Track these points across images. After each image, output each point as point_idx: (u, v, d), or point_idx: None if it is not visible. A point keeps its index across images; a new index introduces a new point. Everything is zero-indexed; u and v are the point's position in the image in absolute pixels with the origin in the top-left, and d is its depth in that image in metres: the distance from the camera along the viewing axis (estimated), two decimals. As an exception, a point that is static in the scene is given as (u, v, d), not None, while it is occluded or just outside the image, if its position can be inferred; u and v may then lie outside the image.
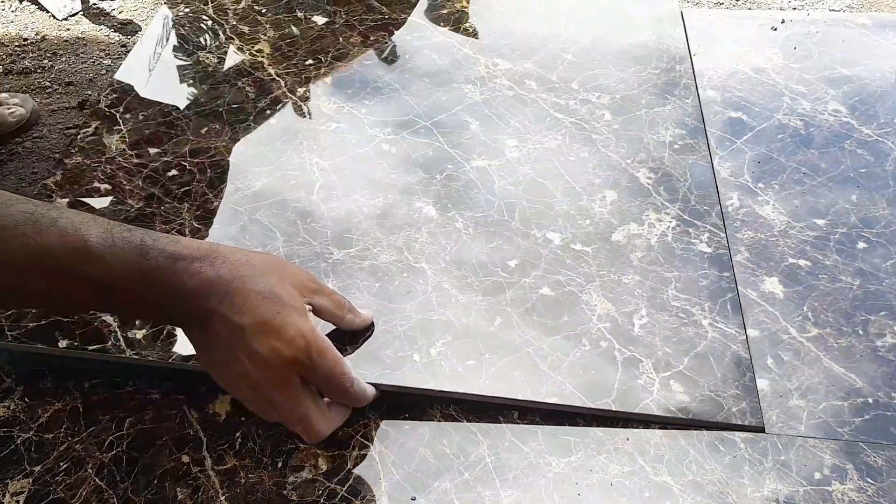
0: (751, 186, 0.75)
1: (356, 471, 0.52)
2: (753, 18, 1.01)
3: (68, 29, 1.66)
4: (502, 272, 0.65)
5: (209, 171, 0.74)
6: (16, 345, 0.58)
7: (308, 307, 0.53)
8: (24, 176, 1.26)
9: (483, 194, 0.72)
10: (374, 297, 0.62)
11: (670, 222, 0.69)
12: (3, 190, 0.48)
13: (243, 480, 0.52)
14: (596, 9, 0.98)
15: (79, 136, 0.78)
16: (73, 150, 0.76)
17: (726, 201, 0.73)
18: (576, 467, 0.52)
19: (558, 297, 0.63)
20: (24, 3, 1.74)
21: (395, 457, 0.53)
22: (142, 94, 0.84)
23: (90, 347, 0.58)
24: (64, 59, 1.56)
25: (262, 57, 0.89)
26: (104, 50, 1.59)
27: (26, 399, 0.57)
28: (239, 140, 0.78)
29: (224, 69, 0.87)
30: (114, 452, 0.54)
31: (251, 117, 0.80)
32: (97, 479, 0.52)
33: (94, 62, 1.55)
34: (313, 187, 0.73)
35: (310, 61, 0.88)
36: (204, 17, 0.96)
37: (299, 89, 0.84)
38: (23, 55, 1.57)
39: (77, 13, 1.71)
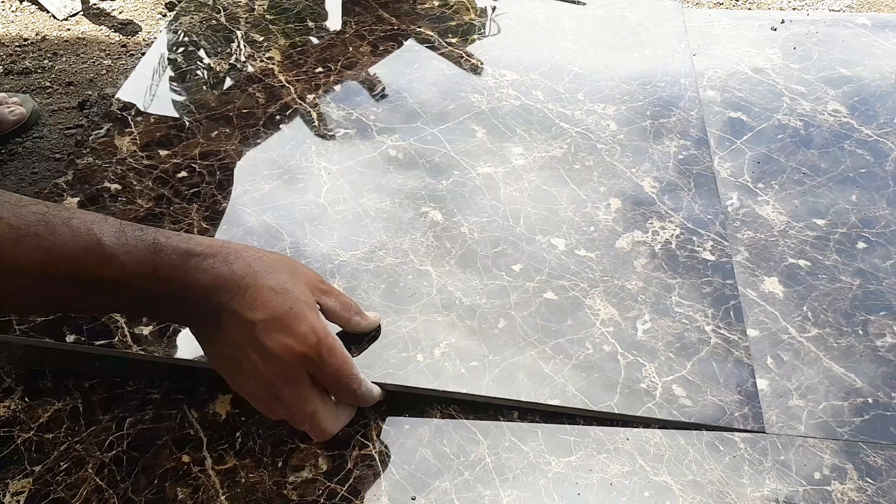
0: (751, 186, 0.75)
1: (356, 471, 0.52)
2: (753, 18, 1.01)
3: (68, 29, 1.66)
4: (507, 276, 0.65)
5: (218, 173, 0.75)
6: (24, 339, 0.58)
7: (316, 307, 0.53)
8: (24, 176, 1.26)
9: (489, 200, 0.72)
10: (380, 298, 0.63)
11: (674, 230, 0.69)
12: (3, 190, 0.48)
13: (243, 480, 0.52)
14: (602, 23, 0.99)
15: (90, 138, 0.79)
16: (84, 151, 0.77)
17: (726, 201, 0.73)
18: (576, 467, 0.52)
19: (562, 302, 0.63)
20: (24, 3, 1.74)
21: (395, 457, 0.53)
22: (154, 99, 0.85)
23: (97, 342, 0.58)
24: (64, 59, 1.56)
25: (273, 64, 0.90)
26: (104, 50, 1.59)
27: (26, 399, 0.57)
28: (248, 144, 0.78)
29: (235, 76, 0.88)
30: (114, 452, 0.54)
31: (261, 122, 0.81)
32: (97, 479, 0.52)
33: (94, 62, 1.55)
34: (321, 191, 0.73)
35: (319, 69, 0.89)
36: (216, 25, 0.97)
37: (309, 96, 0.85)
38: (23, 55, 1.57)
39: (77, 13, 1.71)
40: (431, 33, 0.96)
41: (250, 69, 0.89)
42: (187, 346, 0.58)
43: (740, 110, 0.84)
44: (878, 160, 0.77)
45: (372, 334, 0.59)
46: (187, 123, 0.81)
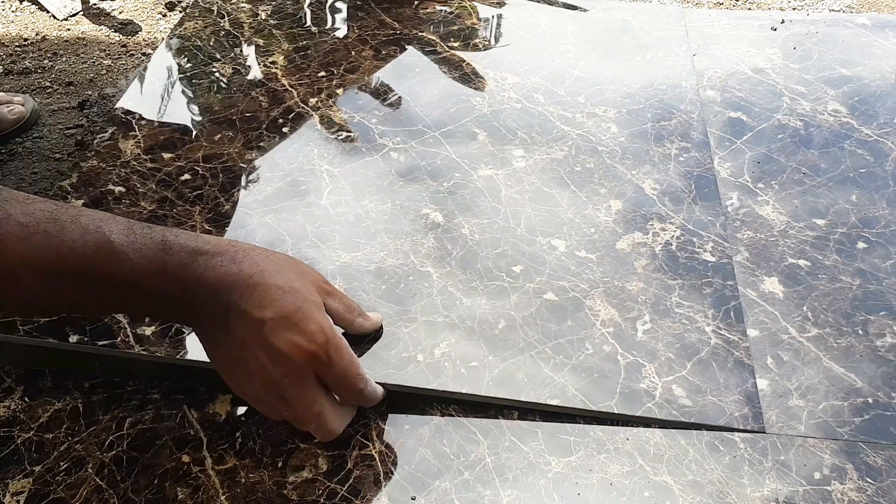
0: (751, 186, 0.75)
1: (356, 471, 0.52)
2: (753, 18, 1.01)
3: (68, 29, 1.66)
4: (507, 277, 0.65)
5: (221, 175, 0.75)
6: (28, 339, 0.58)
7: (323, 306, 0.53)
8: (24, 176, 1.26)
9: (489, 202, 0.72)
10: (380, 298, 0.63)
11: (675, 231, 0.69)
12: (10, 189, 0.47)
13: (243, 480, 0.52)
14: (604, 26, 0.99)
15: (95, 141, 0.79)
16: (88, 154, 0.77)
17: (726, 201, 0.73)
18: (576, 467, 0.52)
19: (562, 303, 0.63)
20: (24, 3, 1.74)
21: (395, 457, 0.53)
22: (157, 103, 0.85)
23: (100, 343, 0.58)
24: (64, 59, 1.56)
25: (276, 68, 0.90)
26: (104, 50, 1.59)
27: (26, 399, 0.57)
28: (251, 147, 0.78)
29: (238, 80, 0.89)
30: (114, 452, 0.54)
31: (264, 126, 0.81)
32: (97, 479, 0.52)
33: (94, 62, 1.55)
34: (323, 193, 0.73)
35: (322, 73, 0.89)
36: (220, 30, 0.98)
37: (311, 99, 0.85)
38: (23, 55, 1.57)
39: (77, 13, 1.71)
40: (433, 37, 0.96)
41: (253, 73, 0.90)
42: (189, 346, 0.58)
43: (740, 110, 0.84)
44: (878, 160, 0.77)
45: (373, 335, 0.59)
46: (191, 127, 0.81)
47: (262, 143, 0.79)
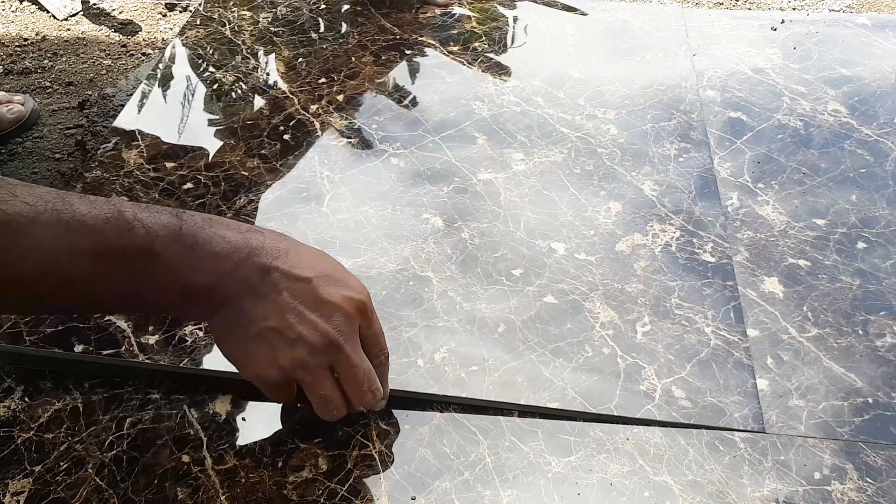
0: (751, 186, 0.75)
1: (356, 471, 0.52)
2: (753, 18, 1.01)
3: (68, 29, 1.66)
4: (507, 280, 0.65)
5: (223, 184, 0.75)
6: (34, 349, 0.59)
7: None
8: (24, 176, 1.26)
9: (489, 205, 0.73)
10: (381, 304, 0.63)
11: (674, 233, 0.69)
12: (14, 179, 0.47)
13: (243, 480, 0.52)
14: (603, 28, 0.99)
15: (98, 151, 0.80)
16: (92, 165, 0.78)
17: (726, 201, 0.73)
18: (576, 467, 0.52)
19: (562, 306, 0.63)
20: (24, 3, 1.74)
21: (395, 457, 0.53)
22: (160, 112, 0.86)
23: (104, 352, 0.58)
24: (64, 59, 1.56)
25: (277, 76, 0.91)
26: (104, 50, 1.59)
27: (26, 399, 0.57)
28: (252, 155, 0.79)
29: (240, 87, 0.89)
30: (114, 452, 0.54)
31: (265, 133, 0.82)
32: (97, 479, 0.52)
33: (94, 62, 1.55)
34: (324, 199, 0.73)
35: (323, 80, 0.90)
36: (222, 38, 0.98)
37: (312, 106, 0.85)
38: (23, 55, 1.57)
39: (77, 13, 1.71)
40: (433, 42, 0.96)
41: (254, 81, 0.90)
42: (192, 354, 0.58)
43: (740, 110, 0.84)
44: (878, 160, 0.77)
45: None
46: (193, 135, 0.82)
47: (263, 151, 0.79)
